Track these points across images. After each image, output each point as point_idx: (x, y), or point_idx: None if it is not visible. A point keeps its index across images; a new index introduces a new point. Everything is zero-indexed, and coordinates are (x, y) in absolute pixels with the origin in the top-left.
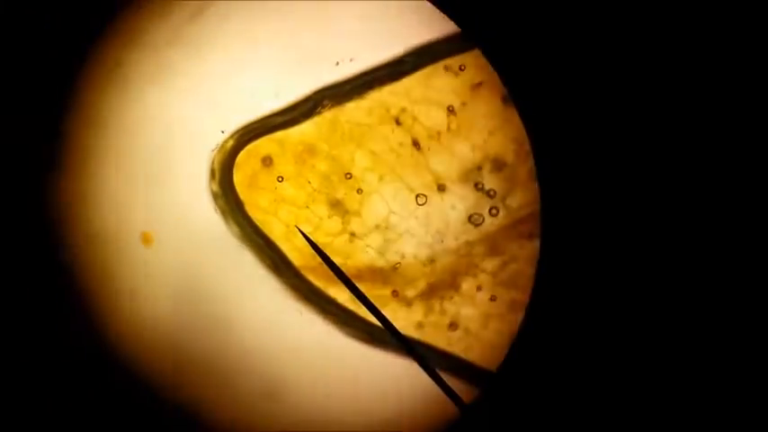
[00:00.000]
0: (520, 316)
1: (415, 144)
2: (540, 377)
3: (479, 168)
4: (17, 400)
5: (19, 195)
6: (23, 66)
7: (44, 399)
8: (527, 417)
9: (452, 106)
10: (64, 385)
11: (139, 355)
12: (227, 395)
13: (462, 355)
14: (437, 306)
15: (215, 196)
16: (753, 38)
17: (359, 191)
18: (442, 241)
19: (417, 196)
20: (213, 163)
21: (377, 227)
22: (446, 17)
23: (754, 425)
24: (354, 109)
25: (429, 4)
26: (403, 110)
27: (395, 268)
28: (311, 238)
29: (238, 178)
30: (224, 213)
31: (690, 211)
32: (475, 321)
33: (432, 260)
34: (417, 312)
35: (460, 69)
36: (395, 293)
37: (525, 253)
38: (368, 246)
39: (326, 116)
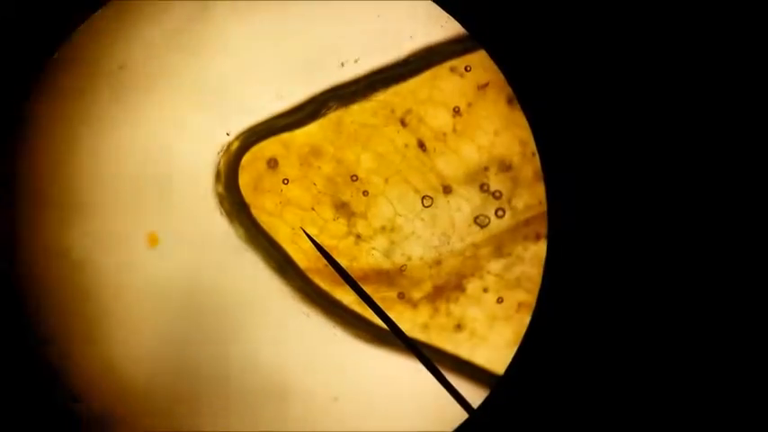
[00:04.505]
0: (526, 317)
1: (421, 145)
2: (547, 379)
3: (485, 170)
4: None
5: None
6: (22, 67)
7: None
8: (534, 419)
9: (458, 107)
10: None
11: (142, 355)
12: (232, 396)
13: (468, 356)
14: (443, 308)
15: (220, 198)
16: (753, 38)
17: (364, 193)
18: (448, 243)
19: (423, 198)
20: (219, 165)
21: (383, 229)
22: (452, 18)
23: (755, 426)
24: (360, 110)
25: (434, 4)
26: (408, 111)
27: (401, 270)
28: (317, 240)
29: (244, 180)
30: (229, 215)
31: (695, 212)
32: (481, 323)
33: (438, 262)
34: (423, 314)
35: (466, 70)
36: (401, 295)
37: (531, 254)
38: (374, 248)
39: (332, 118)
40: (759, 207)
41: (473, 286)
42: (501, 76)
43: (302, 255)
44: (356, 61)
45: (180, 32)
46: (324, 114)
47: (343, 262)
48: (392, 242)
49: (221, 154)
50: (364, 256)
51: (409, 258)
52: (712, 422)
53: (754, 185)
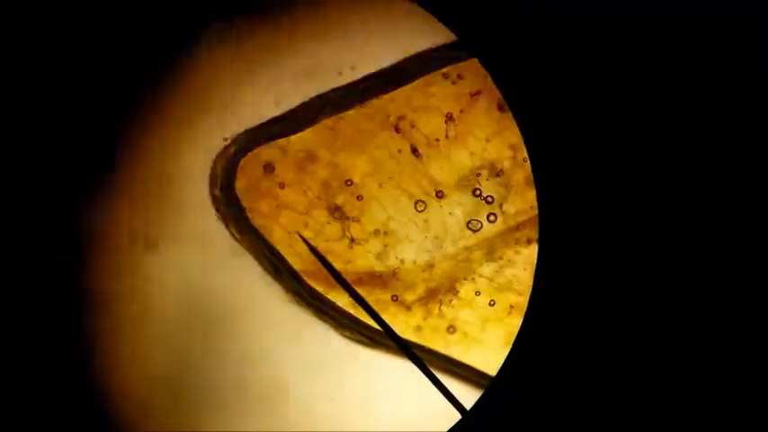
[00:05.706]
0: (518, 319)
1: (414, 151)
2: (539, 379)
3: (477, 175)
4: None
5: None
6: (28, 78)
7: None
8: (527, 419)
9: (451, 113)
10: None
11: (138, 357)
12: (227, 397)
13: (461, 358)
14: (436, 310)
15: (217, 201)
16: (753, 39)
17: (359, 197)
18: (441, 247)
19: (416, 202)
20: (215, 169)
21: (376, 232)
22: (444, 26)
23: (755, 427)
24: (355, 116)
25: (428, 13)
26: (402, 117)
27: (394, 273)
28: (312, 243)
29: (240, 184)
30: (225, 218)
31: (689, 216)
32: (473, 325)
33: (431, 265)
34: (416, 316)
35: (459, 78)
36: (394, 298)
37: (523, 258)
38: (368, 251)
39: (327, 123)
40: (755, 208)
41: (465, 289)
42: (492, 83)
43: (297, 258)
44: (353, 68)
45: (179, 38)
46: (320, 120)
47: (337, 265)
48: (386, 246)
49: (218, 158)
50: (358, 260)
51: (402, 262)
52: (705, 423)
53: (750, 186)
